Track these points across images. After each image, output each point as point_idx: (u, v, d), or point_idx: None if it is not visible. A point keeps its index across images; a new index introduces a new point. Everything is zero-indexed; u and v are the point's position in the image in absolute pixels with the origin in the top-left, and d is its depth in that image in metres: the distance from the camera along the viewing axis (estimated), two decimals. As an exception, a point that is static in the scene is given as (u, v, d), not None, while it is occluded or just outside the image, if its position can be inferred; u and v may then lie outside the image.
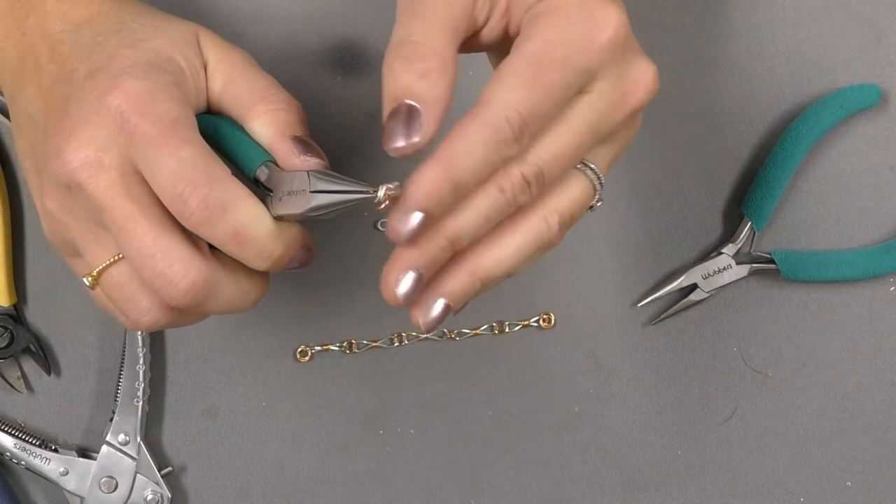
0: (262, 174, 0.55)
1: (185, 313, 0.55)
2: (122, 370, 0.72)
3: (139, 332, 0.72)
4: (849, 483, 0.75)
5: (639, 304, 0.74)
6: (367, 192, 0.52)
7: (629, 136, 0.55)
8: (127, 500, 0.72)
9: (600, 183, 0.53)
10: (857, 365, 0.75)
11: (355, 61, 0.71)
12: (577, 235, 0.74)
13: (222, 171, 0.52)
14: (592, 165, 0.53)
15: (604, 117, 0.52)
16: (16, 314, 0.73)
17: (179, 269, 0.52)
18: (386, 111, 0.50)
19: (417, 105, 0.49)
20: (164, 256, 0.52)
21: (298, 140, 0.55)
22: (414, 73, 0.50)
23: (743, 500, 0.75)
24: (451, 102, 0.50)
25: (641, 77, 0.53)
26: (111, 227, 0.53)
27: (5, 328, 0.72)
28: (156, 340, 0.74)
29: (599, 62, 0.50)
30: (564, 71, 0.49)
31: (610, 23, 0.50)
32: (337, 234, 0.73)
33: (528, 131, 0.49)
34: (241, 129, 0.57)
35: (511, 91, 0.49)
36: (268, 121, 0.55)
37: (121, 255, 0.54)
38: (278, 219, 0.54)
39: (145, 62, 0.54)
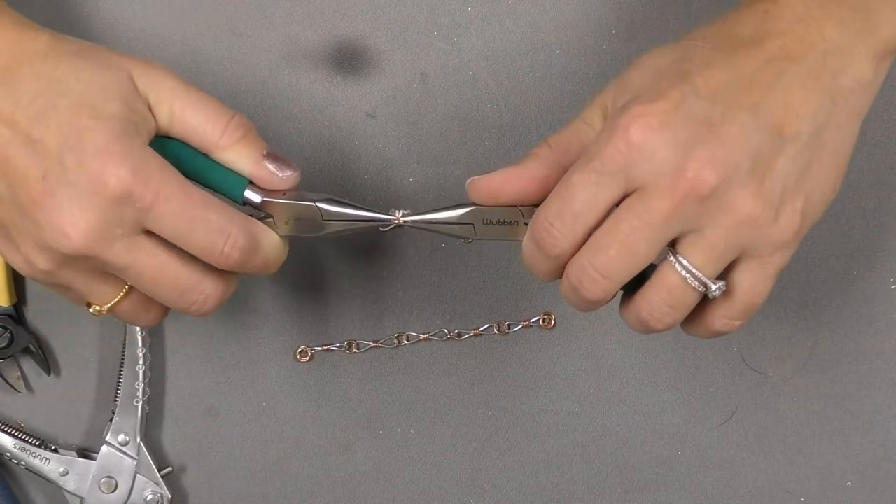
0: (253, 196, 0.60)
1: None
2: (121, 370, 0.72)
3: (139, 332, 0.72)
4: (849, 483, 0.75)
5: (639, 304, 0.74)
6: (381, 217, 0.61)
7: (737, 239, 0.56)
8: (127, 501, 0.72)
9: (697, 278, 0.56)
10: (857, 365, 0.75)
11: (355, 61, 0.71)
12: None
13: (240, 214, 0.58)
14: (683, 260, 0.56)
15: (653, 208, 0.55)
16: (16, 314, 0.73)
17: (211, 289, 0.59)
18: None
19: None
20: (196, 286, 0.58)
21: (271, 158, 0.60)
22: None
23: (743, 500, 0.75)
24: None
25: (682, 168, 0.54)
26: (136, 279, 0.58)
27: (5, 328, 0.72)
28: (156, 341, 0.74)
29: (617, 164, 0.55)
30: (583, 173, 0.55)
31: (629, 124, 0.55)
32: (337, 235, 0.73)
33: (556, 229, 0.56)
34: (204, 154, 0.60)
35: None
36: (240, 151, 0.59)
37: (128, 287, 0.59)
38: (283, 236, 0.61)
39: (117, 134, 0.55)
